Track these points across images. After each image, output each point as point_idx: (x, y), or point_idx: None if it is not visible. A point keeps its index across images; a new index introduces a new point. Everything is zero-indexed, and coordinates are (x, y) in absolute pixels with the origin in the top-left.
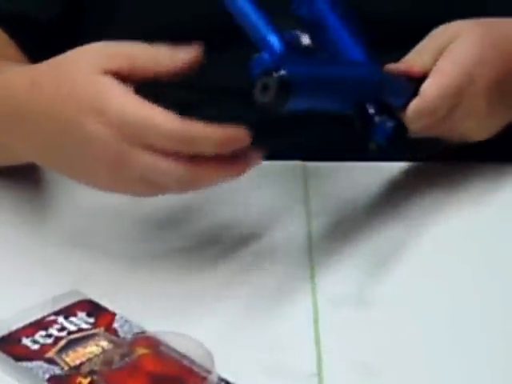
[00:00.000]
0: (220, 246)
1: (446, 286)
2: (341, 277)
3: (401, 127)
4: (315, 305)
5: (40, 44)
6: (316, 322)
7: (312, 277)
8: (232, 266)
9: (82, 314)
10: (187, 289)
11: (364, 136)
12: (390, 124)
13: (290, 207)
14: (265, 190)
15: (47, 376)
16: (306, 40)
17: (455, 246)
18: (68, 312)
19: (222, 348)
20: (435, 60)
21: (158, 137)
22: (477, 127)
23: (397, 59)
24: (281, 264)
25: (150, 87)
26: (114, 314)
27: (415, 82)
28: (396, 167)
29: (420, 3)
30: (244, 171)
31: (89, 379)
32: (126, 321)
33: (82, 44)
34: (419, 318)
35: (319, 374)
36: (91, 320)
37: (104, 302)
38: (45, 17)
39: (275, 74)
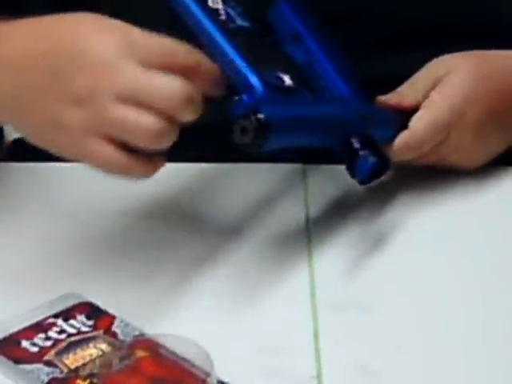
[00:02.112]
0: (219, 248)
1: (447, 290)
2: (340, 279)
3: (383, 163)
4: (314, 307)
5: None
6: (315, 324)
7: (311, 279)
8: (231, 268)
9: (81, 317)
10: (186, 291)
11: (348, 169)
12: (371, 160)
13: (290, 210)
14: (265, 192)
15: (46, 379)
16: (287, 80)
17: (457, 249)
18: (67, 314)
19: (221, 351)
20: (428, 93)
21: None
22: (463, 160)
23: (403, 59)
24: (280, 265)
25: None
26: (113, 317)
27: (405, 113)
28: (395, 169)
29: (429, 2)
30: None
31: (88, 382)
32: (125, 323)
33: None
34: (419, 321)
35: (318, 376)
36: (90, 323)
37: (103, 305)
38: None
39: (253, 118)
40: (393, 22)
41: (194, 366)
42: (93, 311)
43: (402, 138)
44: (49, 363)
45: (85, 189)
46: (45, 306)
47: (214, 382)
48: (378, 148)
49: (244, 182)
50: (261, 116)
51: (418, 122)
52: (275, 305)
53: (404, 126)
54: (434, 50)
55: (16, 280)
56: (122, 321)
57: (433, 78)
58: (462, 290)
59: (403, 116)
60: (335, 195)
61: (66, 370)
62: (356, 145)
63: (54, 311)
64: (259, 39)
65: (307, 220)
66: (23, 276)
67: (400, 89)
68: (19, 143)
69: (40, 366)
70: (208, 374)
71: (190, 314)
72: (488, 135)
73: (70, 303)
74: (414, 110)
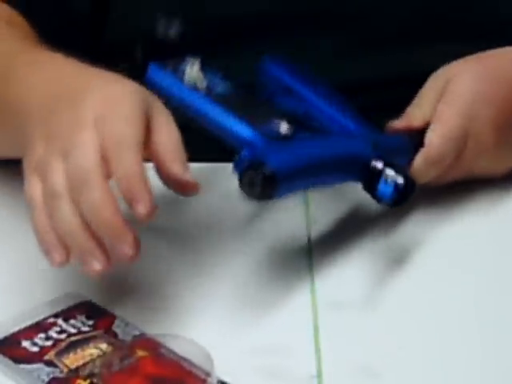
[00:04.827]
0: (219, 249)
1: (446, 290)
2: (341, 279)
3: (410, 183)
4: (315, 307)
5: (72, 34)
6: (316, 324)
7: (312, 279)
8: (231, 268)
9: (81, 317)
10: (187, 292)
11: (370, 191)
12: (399, 181)
13: (290, 210)
14: None
15: (47, 378)
16: (284, 126)
17: (457, 250)
18: (68, 314)
19: (222, 350)
20: (435, 107)
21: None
22: (489, 164)
23: (399, 57)
24: (280, 266)
25: None
26: (113, 317)
27: (419, 134)
28: None
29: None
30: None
31: (88, 382)
32: (125, 323)
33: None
34: (419, 321)
35: (319, 376)
36: (91, 322)
37: (104, 305)
38: (80, 6)
39: (259, 171)
40: (397, 21)
41: (194, 365)
42: (93, 311)
43: (420, 156)
44: (49, 363)
45: None
46: (45, 305)
47: (215, 381)
48: (401, 167)
49: None
50: (267, 168)
51: (432, 136)
52: (275, 304)
53: (419, 146)
54: (443, 47)
55: (16, 280)
56: (122, 320)
57: (435, 92)
58: (464, 290)
59: (417, 137)
60: (336, 196)
61: (66, 370)
62: (379, 165)
63: (54, 311)
64: (251, 96)
65: (308, 220)
66: (24, 276)
67: (407, 111)
68: None
69: (40, 365)
70: (208, 374)
71: (190, 314)
72: (507, 137)
73: (70, 303)
74: (426, 128)
